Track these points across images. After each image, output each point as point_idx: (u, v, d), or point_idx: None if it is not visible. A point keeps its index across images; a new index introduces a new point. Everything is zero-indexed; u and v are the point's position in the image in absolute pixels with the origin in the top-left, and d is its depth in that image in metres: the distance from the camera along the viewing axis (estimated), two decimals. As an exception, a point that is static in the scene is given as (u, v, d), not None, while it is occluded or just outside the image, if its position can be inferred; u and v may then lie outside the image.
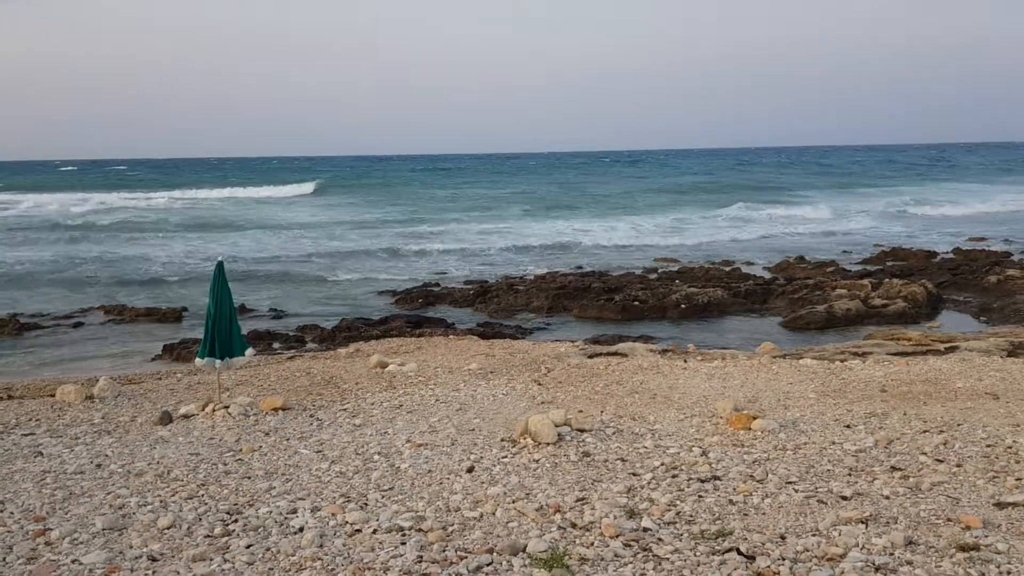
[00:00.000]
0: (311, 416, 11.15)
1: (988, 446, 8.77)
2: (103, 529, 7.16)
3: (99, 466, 9.12)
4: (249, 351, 11.89)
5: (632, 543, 6.47)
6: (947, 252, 31.61)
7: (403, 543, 6.62)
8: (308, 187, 76.84)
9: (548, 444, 9.18)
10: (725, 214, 49.71)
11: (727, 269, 28.00)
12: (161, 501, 7.87)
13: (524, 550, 6.39)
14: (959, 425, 9.61)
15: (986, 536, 6.33)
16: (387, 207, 58.83)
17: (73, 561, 6.52)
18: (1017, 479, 7.69)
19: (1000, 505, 7.06)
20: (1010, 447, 8.69)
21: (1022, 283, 23.12)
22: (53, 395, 12.75)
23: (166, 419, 11.05)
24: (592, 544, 6.50)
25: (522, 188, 77.47)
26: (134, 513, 7.56)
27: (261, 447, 9.68)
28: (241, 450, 9.56)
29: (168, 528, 7.15)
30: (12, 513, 7.65)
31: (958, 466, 8.17)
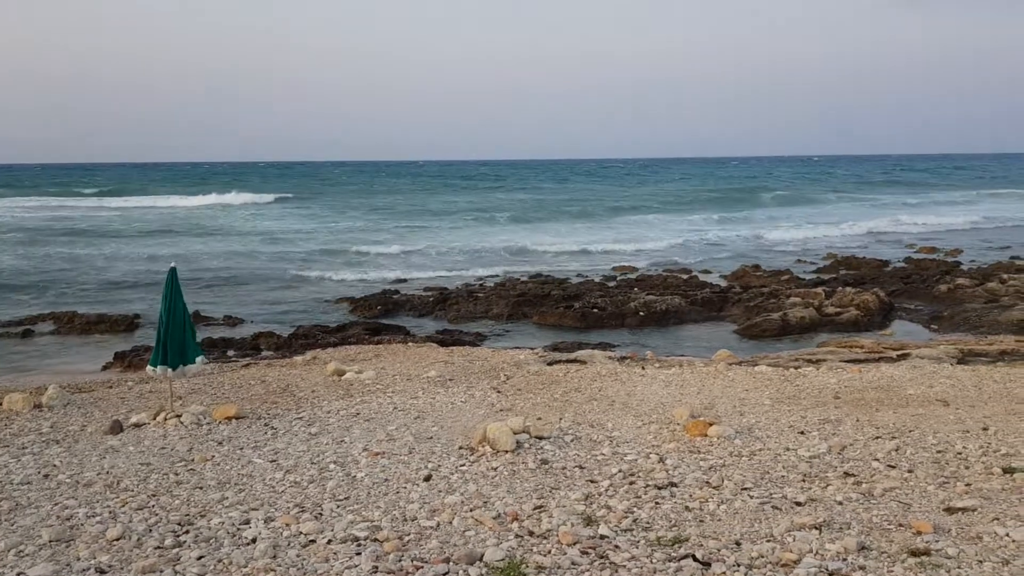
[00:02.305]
0: (266, 425, 10.99)
1: (939, 452, 8.92)
2: (50, 541, 6.98)
3: (47, 476, 8.91)
4: (200, 358, 11.67)
5: (589, 550, 6.46)
6: (899, 261, 32.19)
7: (358, 553, 6.54)
8: (269, 196, 75.47)
9: (506, 452, 9.15)
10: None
11: (684, 277, 28.23)
12: (110, 512, 7.70)
13: (481, 559, 6.35)
14: (910, 431, 9.76)
15: (937, 541, 6.42)
16: (350, 213, 58.48)
17: (19, 574, 6.35)
18: (967, 484, 7.82)
19: (950, 510, 7.17)
20: (960, 453, 8.84)
21: (971, 292, 23.63)
22: (0, 403, 12.43)
23: (116, 428, 10.83)
24: (549, 552, 6.48)
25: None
26: (82, 524, 7.38)
27: (214, 456, 9.52)
28: (193, 460, 9.39)
29: (117, 539, 6.99)
30: (-46, 525, 7.43)
31: (909, 472, 8.29)
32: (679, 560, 6.25)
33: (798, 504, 7.42)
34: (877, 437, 9.56)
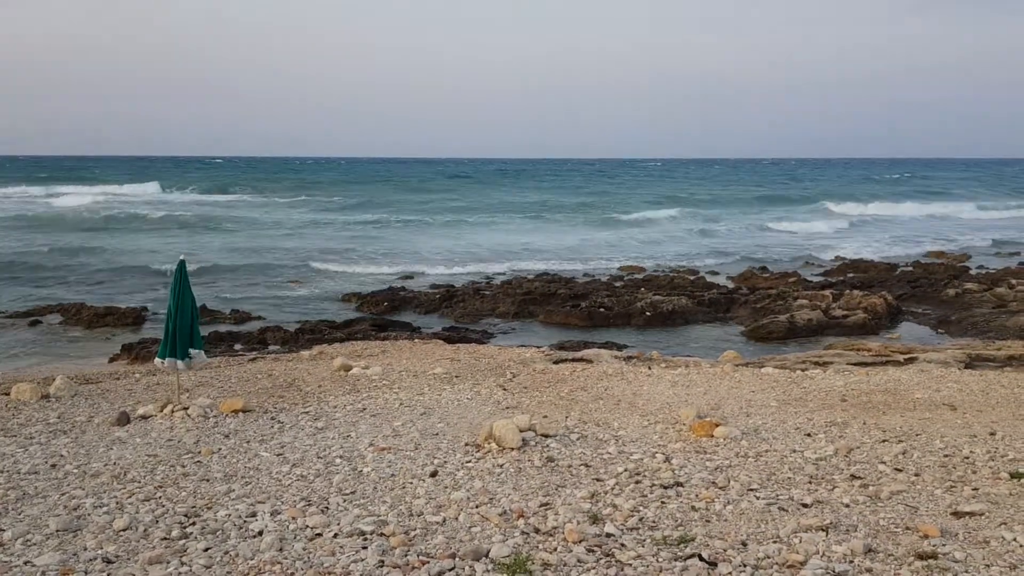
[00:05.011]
0: (272, 419, 11.02)
1: (946, 456, 8.90)
2: (57, 530, 7.00)
3: (54, 466, 8.93)
4: (195, 351, 11.46)
5: (595, 548, 6.46)
6: (907, 265, 32.12)
7: (364, 547, 6.55)
8: (280, 195, 74.95)
9: (512, 449, 9.15)
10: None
11: (691, 278, 28.19)
12: (117, 502, 7.72)
13: (487, 555, 6.35)
14: (918, 435, 9.74)
15: (944, 544, 6.41)
16: (359, 209, 58.52)
17: (26, 563, 6.37)
18: (974, 489, 7.80)
19: (957, 514, 7.16)
20: (967, 457, 8.82)
21: (979, 296, 23.57)
22: (7, 393, 12.47)
23: (123, 419, 10.85)
24: (555, 549, 6.48)
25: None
26: (89, 514, 7.41)
27: (220, 449, 9.54)
28: (200, 452, 9.41)
29: (124, 530, 7.02)
30: (-38, 514, 7.46)
31: (916, 475, 8.27)
32: (685, 559, 6.25)
33: (805, 506, 7.41)
34: (884, 440, 9.54)
